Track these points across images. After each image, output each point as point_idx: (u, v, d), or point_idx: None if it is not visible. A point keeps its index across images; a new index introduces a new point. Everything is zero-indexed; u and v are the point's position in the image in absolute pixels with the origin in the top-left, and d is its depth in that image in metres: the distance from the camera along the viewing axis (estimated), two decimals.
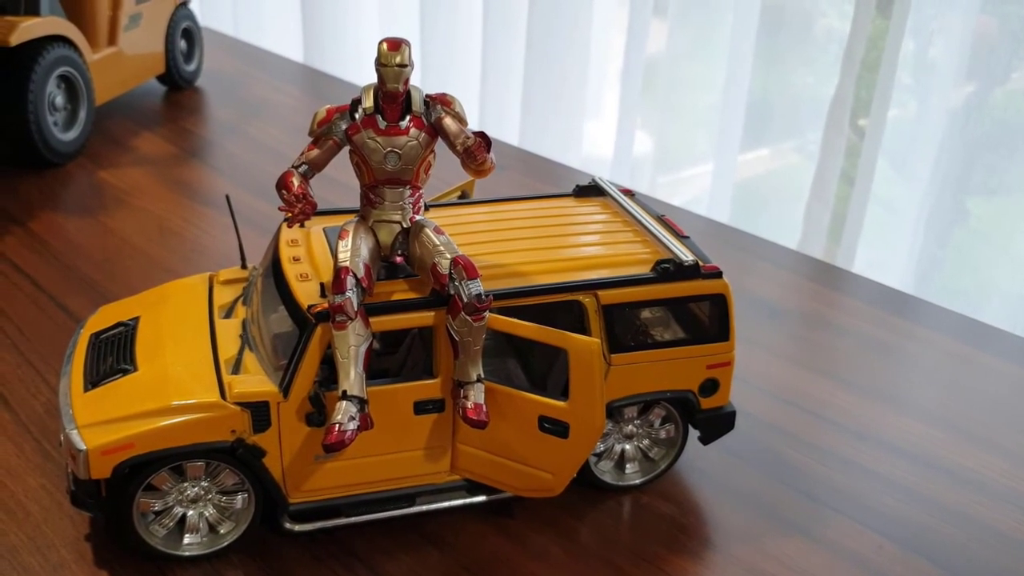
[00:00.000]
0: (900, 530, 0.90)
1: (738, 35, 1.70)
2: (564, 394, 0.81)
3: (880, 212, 1.64)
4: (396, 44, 0.78)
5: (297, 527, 0.84)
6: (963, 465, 0.99)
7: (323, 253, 0.86)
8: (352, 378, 0.76)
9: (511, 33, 1.96)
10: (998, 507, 0.94)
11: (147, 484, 0.79)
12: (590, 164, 1.98)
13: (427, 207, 0.90)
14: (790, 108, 1.72)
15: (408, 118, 0.80)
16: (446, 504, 0.87)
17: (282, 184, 0.79)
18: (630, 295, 0.85)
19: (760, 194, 1.85)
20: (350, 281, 0.77)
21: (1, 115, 1.47)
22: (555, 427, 0.82)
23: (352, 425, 0.76)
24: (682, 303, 0.88)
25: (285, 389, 0.79)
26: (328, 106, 0.82)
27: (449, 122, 0.80)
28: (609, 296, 0.84)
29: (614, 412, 0.88)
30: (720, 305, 0.88)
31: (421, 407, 0.82)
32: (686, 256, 0.86)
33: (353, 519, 0.85)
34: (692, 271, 0.86)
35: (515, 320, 0.80)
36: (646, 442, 0.92)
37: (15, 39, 1.43)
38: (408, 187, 0.82)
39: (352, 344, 0.76)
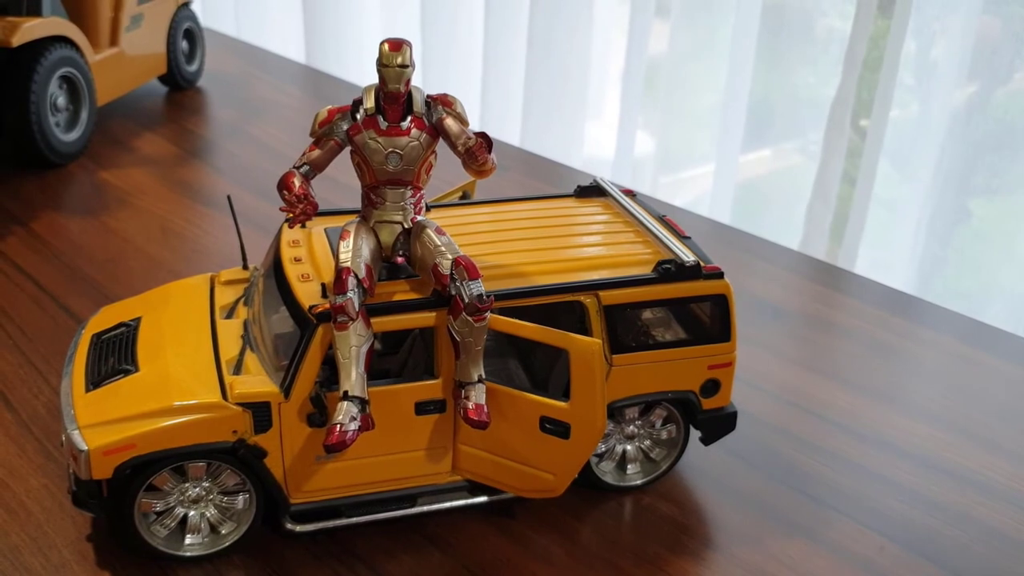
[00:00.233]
0: (902, 531, 0.90)
1: (739, 36, 1.70)
2: (565, 395, 0.81)
3: (882, 213, 1.64)
4: (397, 45, 0.78)
5: (298, 528, 0.84)
6: (966, 466, 0.99)
7: (324, 254, 0.86)
8: (353, 378, 0.76)
9: (512, 33, 1.96)
10: (1001, 508, 0.94)
11: (148, 484, 0.79)
12: (591, 165, 1.98)
13: (428, 208, 0.90)
14: (792, 108, 1.72)
15: (409, 119, 0.80)
16: (447, 505, 0.87)
17: (283, 185, 0.80)
18: (631, 296, 0.85)
19: (762, 195, 1.85)
20: (351, 281, 0.77)
21: (3, 115, 1.47)
22: (556, 428, 0.82)
23: (353, 426, 0.76)
24: (683, 304, 0.88)
25: (286, 390, 0.79)
26: (329, 107, 0.82)
27: (450, 123, 0.80)
28: (610, 297, 0.84)
29: (615, 413, 0.88)
30: (721, 306, 0.88)
31: (422, 408, 0.82)
32: (687, 257, 0.86)
33: (354, 520, 0.85)
34: (693, 272, 0.86)
35: (516, 320, 0.80)
36: (647, 443, 0.92)
37: (17, 40, 1.43)
38: (409, 188, 0.82)
39: (353, 344, 0.76)
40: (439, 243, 0.80)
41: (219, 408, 0.78)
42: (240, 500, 0.83)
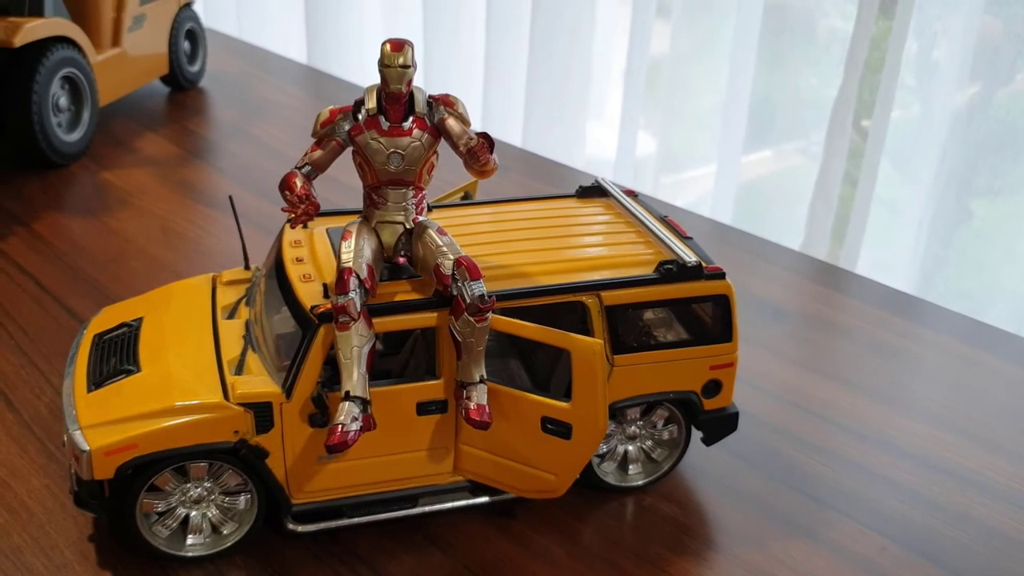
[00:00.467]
0: (903, 532, 0.90)
1: (741, 36, 1.70)
2: (567, 395, 0.81)
3: (883, 213, 1.64)
4: (399, 45, 0.78)
5: (300, 528, 0.84)
6: (967, 467, 0.99)
7: (326, 254, 0.86)
8: (355, 379, 0.76)
9: (514, 34, 1.96)
10: (1002, 509, 0.94)
11: (150, 485, 0.79)
12: (593, 165, 1.98)
13: (430, 208, 0.90)
14: (793, 109, 1.72)
15: (411, 119, 0.80)
16: (449, 505, 0.87)
17: (285, 185, 0.80)
18: (633, 296, 0.85)
19: (763, 195, 1.85)
20: (353, 282, 0.77)
21: (5, 116, 1.48)
22: (558, 428, 0.82)
23: (355, 426, 0.76)
24: (685, 304, 0.88)
25: (288, 390, 0.79)
26: (331, 107, 0.82)
27: (452, 123, 0.80)
28: (612, 297, 0.84)
29: (617, 413, 0.88)
30: (723, 306, 0.88)
31: (424, 408, 0.82)
32: (689, 257, 0.86)
33: (356, 520, 0.85)
34: (695, 272, 0.86)
35: (518, 321, 0.80)
36: (649, 443, 0.92)
37: (19, 40, 1.43)
38: (411, 188, 0.82)
39: (355, 345, 0.76)
40: (441, 243, 0.80)
41: (221, 408, 0.78)
42: (242, 500, 0.83)
